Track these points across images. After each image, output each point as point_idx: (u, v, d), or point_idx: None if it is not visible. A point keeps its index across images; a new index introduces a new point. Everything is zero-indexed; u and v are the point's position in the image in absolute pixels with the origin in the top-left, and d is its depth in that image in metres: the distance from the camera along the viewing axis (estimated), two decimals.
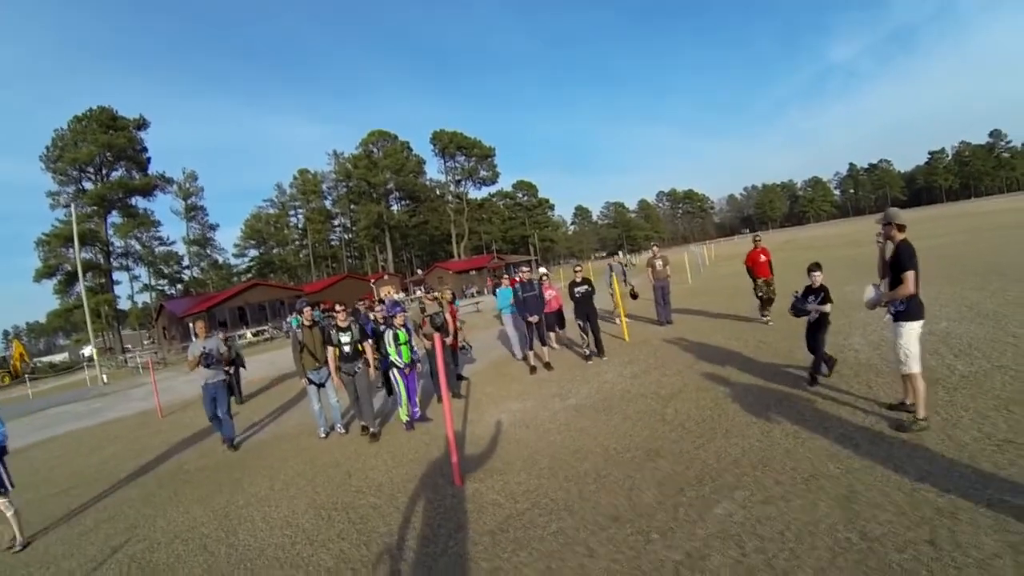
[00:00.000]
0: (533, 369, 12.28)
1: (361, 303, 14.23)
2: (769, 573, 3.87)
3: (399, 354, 9.58)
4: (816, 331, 7.90)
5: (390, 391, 11.25)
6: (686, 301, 18.53)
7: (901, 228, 6.06)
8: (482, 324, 24.44)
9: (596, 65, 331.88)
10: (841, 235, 42.80)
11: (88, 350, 69.97)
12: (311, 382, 9.86)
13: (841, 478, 5.00)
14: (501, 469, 6.91)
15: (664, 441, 6.81)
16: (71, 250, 66.01)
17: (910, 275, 5.75)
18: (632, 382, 9.91)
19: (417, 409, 9.92)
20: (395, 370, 9.68)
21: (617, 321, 14.81)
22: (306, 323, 9.99)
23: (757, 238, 14.57)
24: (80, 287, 42.81)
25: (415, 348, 10.12)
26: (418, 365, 10.32)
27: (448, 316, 11.43)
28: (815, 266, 8.20)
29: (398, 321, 9.86)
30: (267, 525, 6.44)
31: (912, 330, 5.86)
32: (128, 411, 18.37)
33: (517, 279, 13.92)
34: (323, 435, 9.94)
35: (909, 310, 5.90)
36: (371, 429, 9.39)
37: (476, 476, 6.79)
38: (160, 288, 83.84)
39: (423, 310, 11.21)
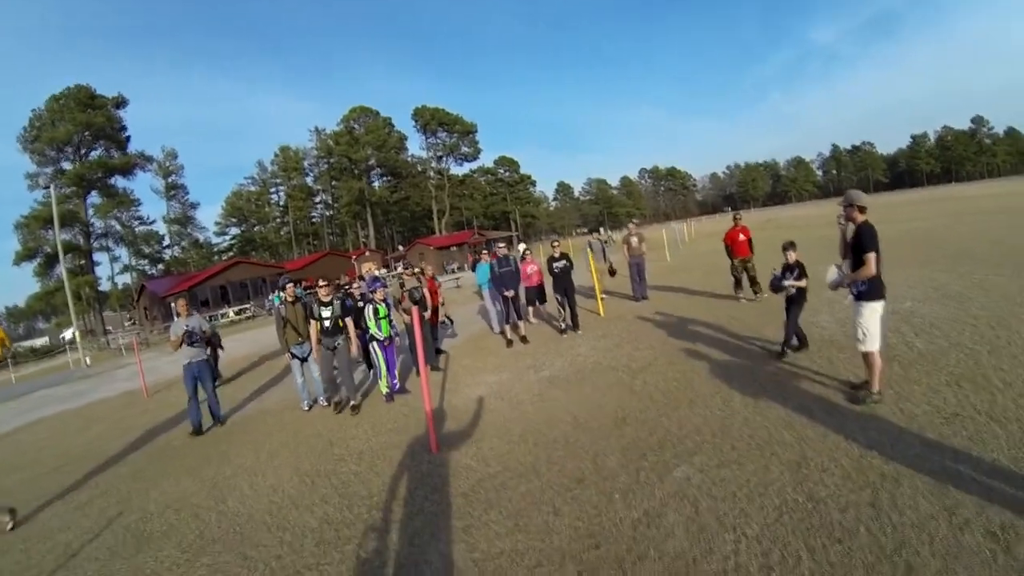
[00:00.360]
0: (510, 343, 12.63)
1: (346, 279, 14.43)
2: (719, 529, 4.20)
3: (379, 328, 9.86)
4: (791, 306, 8.23)
5: (370, 365, 11.52)
6: (663, 278, 18.86)
7: (862, 210, 6.18)
8: (462, 299, 24.77)
9: (580, 45, 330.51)
10: (822, 215, 43.25)
11: (69, 333, 69.68)
12: (294, 356, 10.12)
13: (794, 445, 5.33)
14: (476, 437, 7.25)
15: (631, 410, 7.16)
16: (51, 232, 65.67)
17: (871, 256, 5.88)
18: (604, 355, 10.26)
19: (396, 381, 10.18)
20: (375, 343, 9.95)
21: (603, 298, 15.10)
22: (288, 299, 10.22)
23: (737, 216, 14.35)
24: (61, 269, 42.77)
25: (394, 323, 10.38)
26: (396, 339, 10.52)
27: (427, 291, 11.61)
28: (789, 244, 8.48)
29: (378, 296, 10.12)
30: (254, 492, 6.74)
31: (872, 310, 6.05)
32: (113, 392, 18.47)
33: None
34: (306, 408, 10.18)
35: (870, 290, 6.06)
36: (352, 401, 9.52)
37: (452, 444, 7.13)
38: (140, 268, 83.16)
39: (402, 285, 11.38)
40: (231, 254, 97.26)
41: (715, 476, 5.03)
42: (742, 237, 13.45)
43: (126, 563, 5.53)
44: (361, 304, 10.62)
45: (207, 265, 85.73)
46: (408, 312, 9.87)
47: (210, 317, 48.66)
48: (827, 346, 8.44)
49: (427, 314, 11.29)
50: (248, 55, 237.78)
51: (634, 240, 15.62)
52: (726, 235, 13.89)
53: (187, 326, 9.79)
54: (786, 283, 8.25)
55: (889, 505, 4.12)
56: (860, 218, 6.16)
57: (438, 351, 12.46)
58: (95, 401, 17.21)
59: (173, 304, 10.47)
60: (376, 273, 19.91)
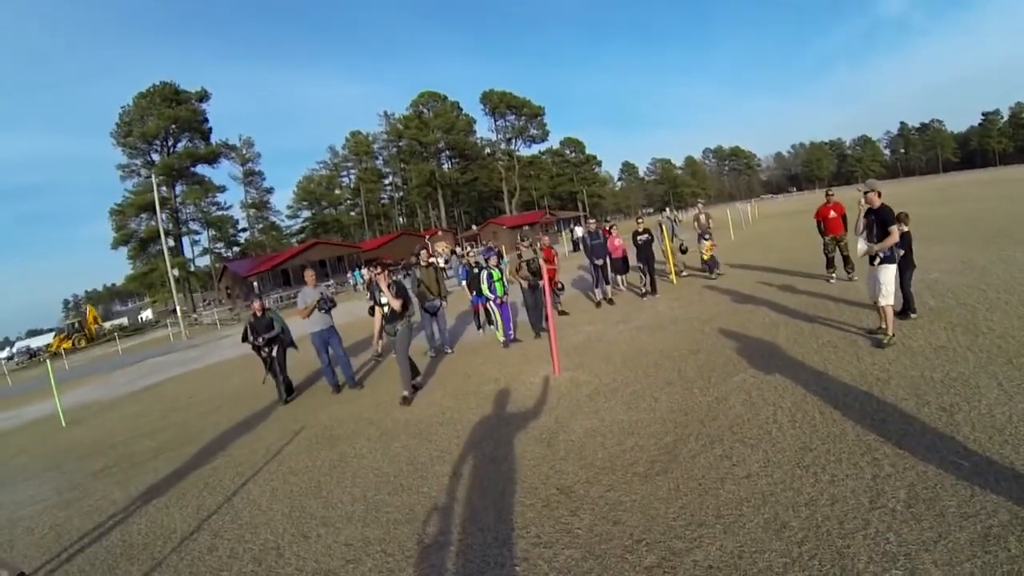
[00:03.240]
0: (599, 304, 14.94)
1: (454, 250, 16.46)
2: (763, 404, 6.45)
3: (492, 290, 11.98)
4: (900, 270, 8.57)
5: (479, 325, 13.95)
6: (727, 255, 20.21)
7: (879, 195, 7.83)
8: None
9: (640, 22, 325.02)
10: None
11: (148, 313, 74.30)
12: (426, 311, 12.17)
13: (819, 364, 7.48)
14: (586, 364, 9.64)
15: (702, 344, 9.48)
16: (142, 218, 71.53)
17: (894, 228, 7.56)
18: (679, 311, 12.51)
19: (512, 332, 12.31)
20: (491, 303, 12.22)
21: (677, 273, 17.15)
22: (423, 264, 12.44)
23: (830, 192, 13.53)
24: (164, 249, 46.07)
25: (507, 286, 12.40)
26: (507, 298, 12.41)
27: (543, 261, 12.42)
28: (904, 216, 8.99)
29: (492, 263, 12.24)
30: (417, 406, 9.11)
31: (891, 271, 7.69)
32: (228, 356, 20.80)
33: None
34: (432, 355, 12.41)
35: (890, 256, 7.72)
36: (403, 393, 9.49)
37: (568, 368, 9.49)
38: (218, 251, 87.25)
39: (520, 256, 13.09)
40: (303, 236, 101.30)
41: (762, 379, 7.26)
42: (833, 214, 12.87)
43: (329, 451, 7.72)
44: (476, 271, 12.79)
45: (281, 247, 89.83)
46: (526, 279, 11.82)
47: (269, 309, 51.83)
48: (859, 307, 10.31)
49: (543, 282, 11.51)
50: (315, 43, 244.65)
51: (703, 218, 17.15)
52: (817, 212, 13.34)
53: (321, 294, 10.72)
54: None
55: (880, 392, 6.18)
56: (877, 201, 7.81)
57: (561, 312, 14.38)
58: (217, 362, 19.71)
59: (304, 273, 11.52)
60: (490, 245, 21.58)
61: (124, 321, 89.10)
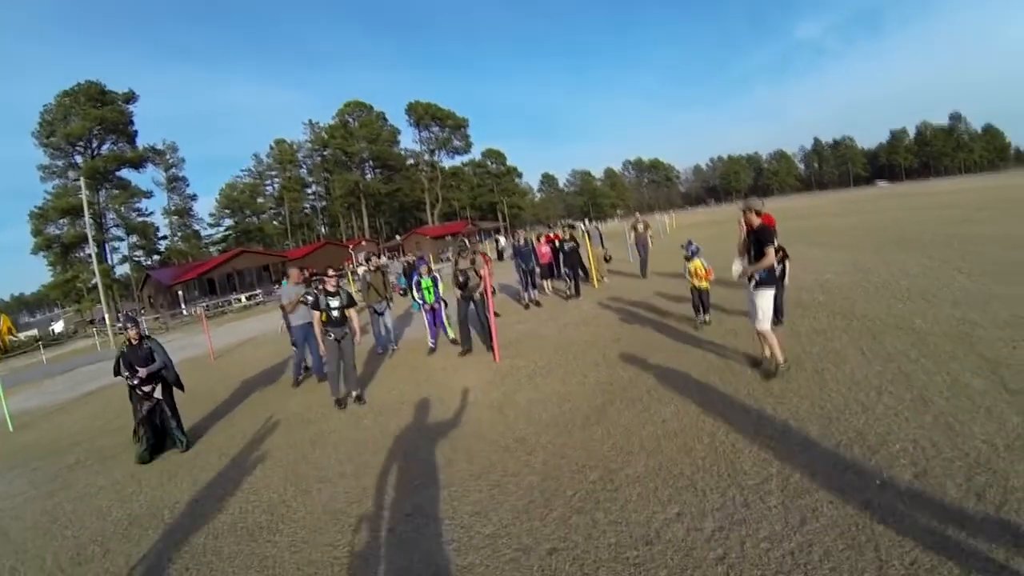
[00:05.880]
0: (527, 305, 16.24)
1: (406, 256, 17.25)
2: (675, 376, 7.86)
3: (422, 298, 12.57)
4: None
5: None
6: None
7: (759, 214, 7.32)
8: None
9: (564, 36, 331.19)
10: (798, 208, 46.09)
11: (59, 325, 72.19)
12: (375, 311, 13.21)
13: (720, 344, 9.04)
14: (523, 353, 10.96)
15: (622, 335, 10.94)
16: (64, 223, 69.67)
17: (770, 249, 6.98)
18: (601, 310, 13.89)
19: (435, 341, 12.83)
20: (422, 307, 12.79)
21: (599, 279, 18.38)
22: (372, 268, 13.55)
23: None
24: (93, 255, 45.74)
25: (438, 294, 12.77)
26: (437, 306, 12.73)
27: (485, 271, 12.50)
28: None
29: (423, 271, 12.78)
30: (377, 392, 10.29)
31: (769, 295, 7.24)
32: (174, 359, 20.82)
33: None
34: (380, 352, 13.39)
35: (769, 278, 7.22)
36: (354, 393, 9.73)
37: (506, 357, 10.77)
38: (137, 259, 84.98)
39: (457, 264, 12.88)
40: (224, 245, 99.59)
41: (674, 358, 8.68)
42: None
43: (305, 430, 8.81)
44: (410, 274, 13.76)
45: (202, 255, 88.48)
46: (461, 288, 11.90)
47: (221, 303, 52.71)
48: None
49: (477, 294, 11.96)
50: (241, 50, 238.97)
51: (640, 226, 18.92)
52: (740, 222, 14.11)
53: (307, 294, 10.90)
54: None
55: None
56: (757, 221, 7.31)
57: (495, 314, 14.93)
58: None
59: (288, 272, 11.83)
60: (419, 254, 22.24)
61: (35, 332, 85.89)
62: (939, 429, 5.01)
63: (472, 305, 11.90)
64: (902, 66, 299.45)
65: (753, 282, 7.25)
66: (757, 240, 7.18)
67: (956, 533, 3.64)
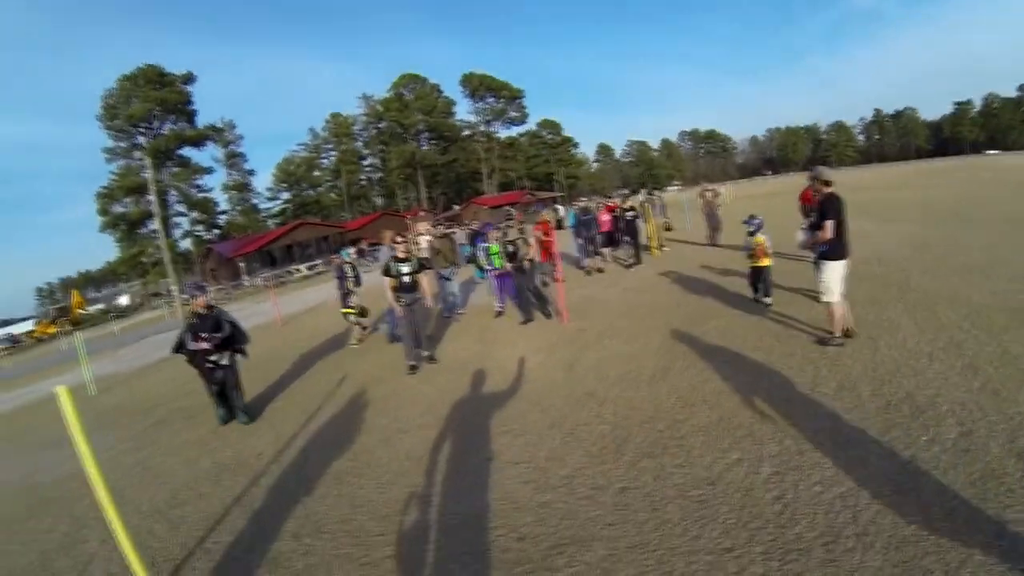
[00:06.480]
0: (589, 273, 16.61)
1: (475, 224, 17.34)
2: (734, 338, 8.25)
3: (490, 263, 12.78)
4: None
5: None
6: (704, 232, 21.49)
7: (827, 183, 7.12)
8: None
9: (618, 5, 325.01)
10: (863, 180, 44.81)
11: (125, 299, 74.90)
12: (442, 277, 13.58)
13: (780, 310, 9.34)
14: (588, 316, 11.41)
15: (683, 301, 11.30)
16: (127, 201, 72.21)
17: (829, 223, 6.84)
18: (662, 278, 14.16)
19: (502, 304, 13.11)
20: (488, 273, 13.27)
21: (659, 247, 18.69)
22: (439, 235, 14.03)
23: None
24: (160, 230, 47.71)
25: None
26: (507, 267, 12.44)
27: (542, 235, 13.92)
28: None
29: (492, 235, 12.95)
30: (448, 351, 10.74)
31: (831, 268, 7.08)
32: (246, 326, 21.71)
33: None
34: (447, 315, 13.81)
35: (830, 251, 7.06)
36: (425, 353, 10.13)
37: (573, 319, 11.23)
38: (198, 234, 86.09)
39: (505, 235, 12.88)
40: (282, 218, 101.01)
41: (734, 322, 9.08)
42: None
43: (380, 388, 9.35)
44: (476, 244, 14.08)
45: (261, 229, 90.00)
46: (510, 259, 12.08)
47: (282, 273, 54.15)
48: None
49: (536, 259, 12.70)
50: (297, 25, 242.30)
51: (709, 195, 19.25)
52: (801, 194, 13.30)
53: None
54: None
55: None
56: (825, 190, 7.12)
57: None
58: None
59: (384, 235, 11.64)
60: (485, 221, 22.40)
61: (103, 306, 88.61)
62: (986, 394, 5.29)
63: (523, 274, 12.09)
64: (968, 34, 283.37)
65: (815, 255, 7.41)
66: (821, 213, 7.02)
67: (996, 487, 3.97)
